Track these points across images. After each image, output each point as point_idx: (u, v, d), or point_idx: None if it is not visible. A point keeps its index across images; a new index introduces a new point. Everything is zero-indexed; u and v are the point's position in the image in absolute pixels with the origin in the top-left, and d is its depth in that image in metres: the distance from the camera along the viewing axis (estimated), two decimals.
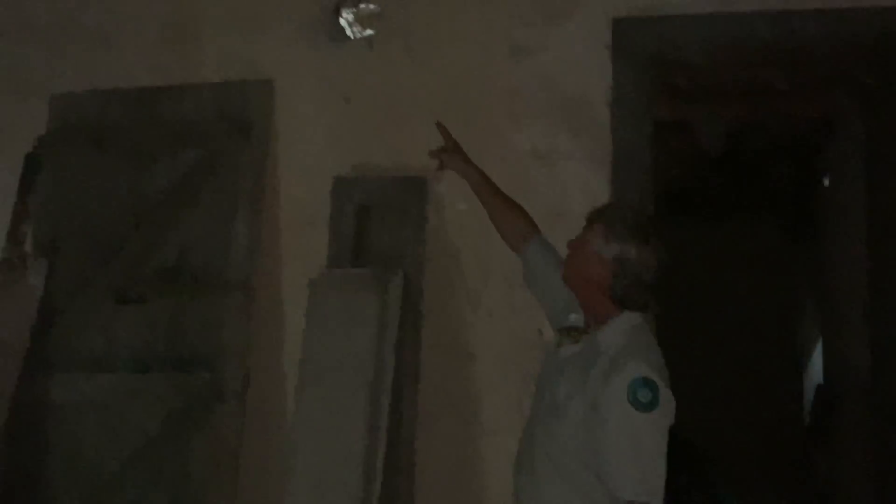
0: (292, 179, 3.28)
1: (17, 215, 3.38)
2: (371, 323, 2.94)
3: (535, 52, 3.16)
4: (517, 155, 3.12)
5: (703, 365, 6.21)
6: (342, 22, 3.28)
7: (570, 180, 3.09)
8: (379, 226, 3.18)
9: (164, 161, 3.29)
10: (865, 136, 4.26)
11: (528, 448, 2.38)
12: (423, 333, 3.09)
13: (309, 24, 3.32)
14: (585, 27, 3.13)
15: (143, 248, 3.26)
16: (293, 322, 3.13)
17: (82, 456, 3.17)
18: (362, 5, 3.27)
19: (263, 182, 3.25)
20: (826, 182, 5.50)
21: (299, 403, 2.97)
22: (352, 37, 3.27)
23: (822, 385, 6.07)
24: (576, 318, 2.43)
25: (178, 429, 3.09)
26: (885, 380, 3.98)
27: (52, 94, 3.47)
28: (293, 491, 2.89)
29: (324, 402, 2.92)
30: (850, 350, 4.79)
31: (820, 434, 5.87)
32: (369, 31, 3.28)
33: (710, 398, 6.04)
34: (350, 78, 3.28)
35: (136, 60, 3.44)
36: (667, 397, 2.18)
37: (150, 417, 3.12)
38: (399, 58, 3.26)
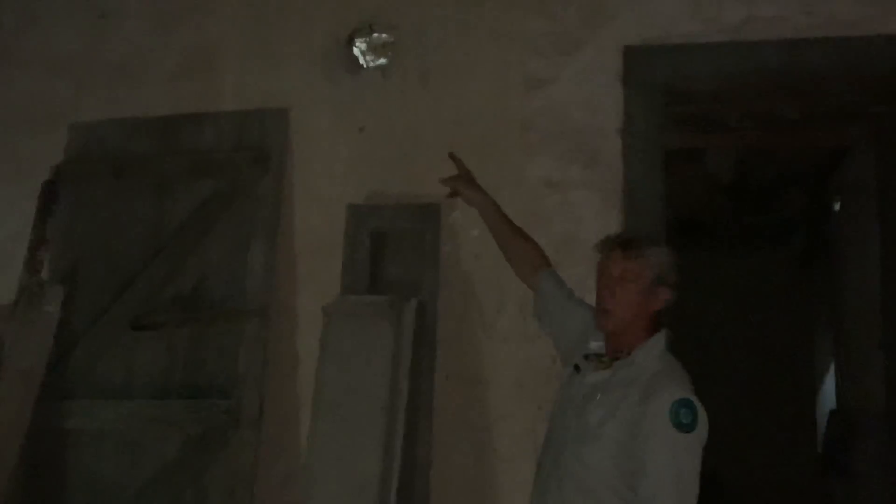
0: (308, 207, 3.31)
1: (34, 243, 3.40)
2: (385, 350, 2.95)
3: (548, 82, 3.18)
4: (530, 184, 3.14)
5: (716, 392, 6.18)
6: (355, 51, 3.31)
7: (583, 209, 3.10)
8: (393, 253, 3.20)
9: (183, 190, 3.32)
10: (877, 164, 4.27)
11: (554, 474, 2.39)
12: (438, 360, 3.10)
13: (324, 55, 3.36)
14: (597, 58, 3.15)
15: (161, 276, 3.28)
16: (308, 349, 3.15)
17: (100, 482, 3.18)
18: (375, 35, 3.30)
19: (280, 210, 3.27)
20: (836, 208, 5.50)
21: (314, 430, 2.97)
22: (365, 66, 3.31)
23: (835, 411, 6.05)
24: (597, 345, 2.47)
25: (195, 455, 3.10)
26: None
27: (71, 122, 3.51)
28: None
29: (339, 428, 2.93)
30: (863, 376, 4.77)
31: (835, 460, 5.85)
32: (382, 61, 3.31)
33: (723, 426, 6.02)
34: (364, 107, 3.31)
35: (155, 90, 3.48)
36: (703, 419, 2.26)
37: (166, 444, 3.14)
38: (413, 87, 3.29)
